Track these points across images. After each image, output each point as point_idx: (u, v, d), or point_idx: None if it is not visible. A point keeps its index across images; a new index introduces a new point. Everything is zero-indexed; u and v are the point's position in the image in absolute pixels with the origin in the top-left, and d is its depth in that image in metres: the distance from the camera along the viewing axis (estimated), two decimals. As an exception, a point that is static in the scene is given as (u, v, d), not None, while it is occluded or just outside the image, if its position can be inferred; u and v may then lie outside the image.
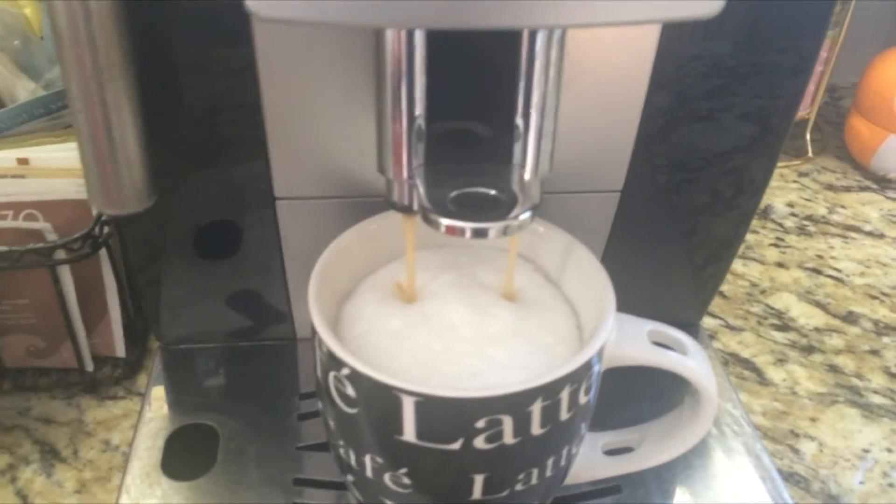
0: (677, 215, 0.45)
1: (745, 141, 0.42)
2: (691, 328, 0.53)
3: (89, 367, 0.52)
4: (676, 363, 0.34)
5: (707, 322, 0.59)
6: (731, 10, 0.36)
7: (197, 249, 0.44)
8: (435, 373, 0.33)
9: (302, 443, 0.44)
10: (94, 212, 0.48)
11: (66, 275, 0.48)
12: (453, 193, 0.32)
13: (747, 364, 0.56)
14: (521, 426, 0.31)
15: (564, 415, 0.32)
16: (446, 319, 0.35)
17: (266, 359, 0.49)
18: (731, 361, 0.56)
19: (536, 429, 0.32)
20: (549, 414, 0.32)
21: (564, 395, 0.32)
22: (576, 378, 0.32)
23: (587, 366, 0.32)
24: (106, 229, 0.48)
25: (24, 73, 0.56)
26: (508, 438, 0.31)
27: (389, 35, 0.30)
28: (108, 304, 0.51)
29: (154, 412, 0.45)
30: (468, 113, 0.34)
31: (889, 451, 0.50)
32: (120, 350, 0.53)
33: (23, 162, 0.49)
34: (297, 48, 0.35)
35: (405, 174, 0.33)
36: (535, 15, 0.25)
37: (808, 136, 0.76)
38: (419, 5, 0.25)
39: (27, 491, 0.46)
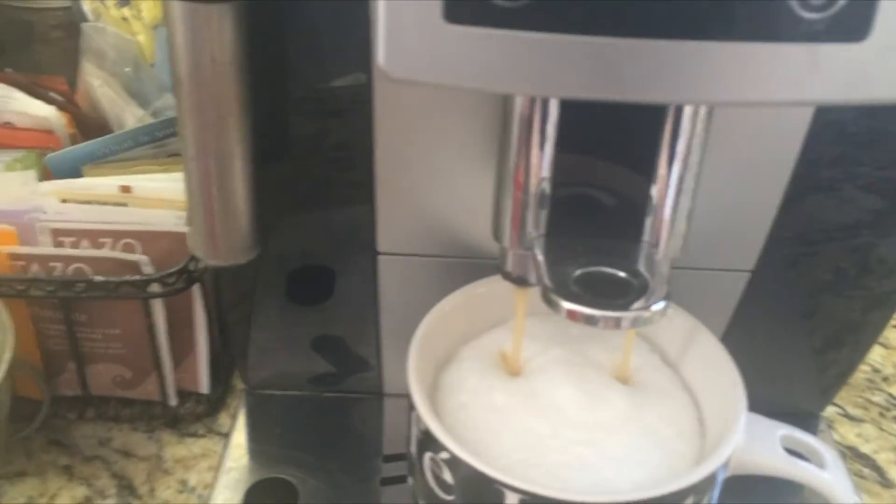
0: (807, 297, 0.41)
1: (887, 228, 0.38)
2: (812, 419, 0.48)
3: (173, 401, 0.51)
4: (813, 477, 0.30)
5: (824, 410, 0.54)
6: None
7: (291, 294, 0.43)
8: (541, 461, 0.31)
9: (384, 510, 0.41)
10: (192, 246, 0.47)
11: (158, 308, 0.47)
12: (577, 272, 0.29)
13: (867, 461, 0.51)
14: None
15: (683, 525, 0.29)
16: (554, 400, 0.33)
17: (351, 412, 0.47)
18: (849, 455, 0.51)
19: None
20: (668, 523, 0.28)
21: (685, 505, 0.28)
22: (699, 489, 0.28)
23: (712, 476, 0.29)
24: (201, 265, 0.47)
25: (134, 99, 0.56)
26: None
27: (519, 97, 0.28)
28: (196, 339, 0.50)
29: (234, 461, 0.44)
30: (598, 184, 0.31)
31: None
32: (204, 386, 0.52)
33: (125, 190, 0.49)
34: (417, 99, 0.33)
35: (521, 244, 0.31)
36: (701, 90, 0.22)
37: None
38: (562, 77, 0.23)
39: (102, 527, 0.45)
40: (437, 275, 0.39)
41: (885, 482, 0.49)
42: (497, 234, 0.31)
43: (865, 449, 0.51)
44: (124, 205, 0.48)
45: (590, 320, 0.27)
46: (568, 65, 0.22)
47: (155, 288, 0.46)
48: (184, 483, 0.48)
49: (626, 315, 0.27)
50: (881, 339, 0.60)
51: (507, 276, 0.32)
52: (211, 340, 0.51)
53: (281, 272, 0.42)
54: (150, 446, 0.50)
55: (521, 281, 0.32)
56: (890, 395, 0.55)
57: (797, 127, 0.33)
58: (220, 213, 0.30)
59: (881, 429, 0.53)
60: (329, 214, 0.38)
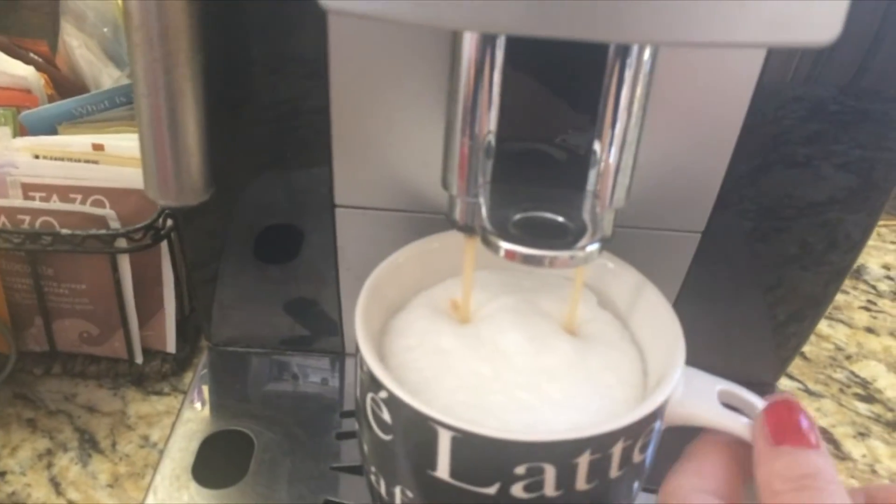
0: (761, 265, 0.42)
1: (842, 193, 0.39)
2: (766, 389, 0.49)
3: (139, 358, 0.52)
4: (746, 430, 0.31)
5: (784, 384, 0.54)
6: (840, 50, 0.33)
7: (254, 251, 0.43)
8: (480, 402, 0.31)
9: (338, 463, 0.42)
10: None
11: (124, 264, 0.48)
12: (517, 216, 0.30)
13: (824, 434, 0.51)
14: (565, 479, 0.28)
15: (614, 472, 0.29)
16: (500, 345, 0.33)
17: (312, 371, 0.47)
18: (807, 429, 0.51)
19: (581, 483, 0.29)
20: (598, 469, 0.29)
21: (617, 451, 0.29)
22: (632, 433, 0.29)
23: (646, 420, 0.29)
24: (168, 223, 0.48)
25: (111, 60, 0.56)
26: (549, 490, 0.28)
27: (467, 41, 0.28)
28: (163, 297, 0.51)
29: (193, 413, 0.44)
30: (542, 133, 0.31)
31: (979, 549, 0.45)
32: (171, 345, 0.52)
33: (98, 148, 0.49)
34: (371, 52, 0.34)
35: (469, 191, 0.31)
36: (630, 30, 0.22)
37: (911, 196, 0.71)
38: (501, 6, 0.23)
39: (61, 479, 0.45)
40: (394, 229, 0.39)
41: (841, 455, 0.50)
42: (445, 182, 0.32)
43: (823, 423, 0.52)
44: (96, 162, 0.49)
45: (527, 259, 0.28)
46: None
47: (121, 243, 0.46)
48: (146, 438, 0.48)
49: (560, 254, 0.28)
50: (846, 319, 0.61)
51: (455, 225, 0.33)
52: (179, 300, 0.51)
53: (245, 228, 0.43)
54: (114, 403, 0.50)
55: (468, 229, 0.33)
56: (851, 372, 0.56)
57: (742, 87, 0.34)
58: (171, 151, 0.30)
59: (840, 404, 0.54)
60: (288, 166, 0.38)
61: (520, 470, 0.28)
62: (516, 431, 0.28)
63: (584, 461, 0.28)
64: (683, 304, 0.41)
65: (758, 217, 0.39)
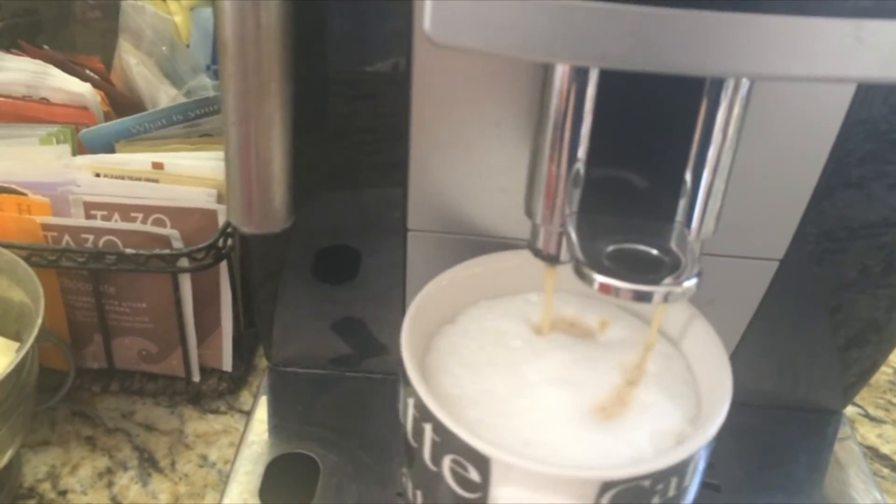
0: (835, 292, 0.41)
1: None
2: (833, 416, 0.48)
3: (196, 377, 0.52)
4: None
5: (846, 410, 0.53)
6: None
7: (319, 272, 0.43)
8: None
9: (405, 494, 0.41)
10: (220, 223, 0.47)
11: (185, 283, 0.48)
12: (610, 248, 0.29)
13: (886, 461, 0.50)
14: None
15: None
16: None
17: (373, 392, 0.47)
18: (870, 456, 0.51)
19: None
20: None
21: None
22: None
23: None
24: (230, 241, 0.48)
25: (168, 79, 0.57)
26: None
27: (559, 70, 0.28)
28: (221, 316, 0.51)
29: (257, 435, 0.44)
30: (632, 162, 0.31)
31: None
32: (227, 364, 0.52)
33: (157, 166, 0.49)
34: (454, 76, 0.34)
35: (554, 220, 0.31)
36: (748, 65, 0.22)
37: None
38: (603, 46, 0.23)
39: (122, 498, 0.45)
40: (465, 254, 0.39)
41: (906, 483, 0.49)
42: (529, 210, 0.32)
43: (885, 450, 0.51)
44: (156, 181, 0.49)
45: (621, 293, 0.27)
46: (609, 34, 0.23)
47: (184, 262, 0.46)
48: (204, 458, 0.48)
49: (657, 289, 0.27)
50: (905, 343, 0.60)
51: (539, 255, 0.32)
52: (236, 319, 0.51)
53: (309, 249, 0.43)
54: (172, 421, 0.50)
55: (551, 259, 0.32)
56: (912, 397, 0.55)
57: (832, 117, 0.33)
58: (257, 179, 0.30)
59: (902, 430, 0.53)
60: (361, 189, 0.38)
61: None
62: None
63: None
64: (754, 332, 0.40)
65: (837, 245, 0.38)
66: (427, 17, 0.23)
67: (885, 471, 0.50)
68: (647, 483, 0.29)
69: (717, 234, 0.34)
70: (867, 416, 0.54)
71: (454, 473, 0.31)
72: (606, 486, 0.28)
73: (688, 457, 0.29)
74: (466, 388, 0.33)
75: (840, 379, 0.46)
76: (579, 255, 0.29)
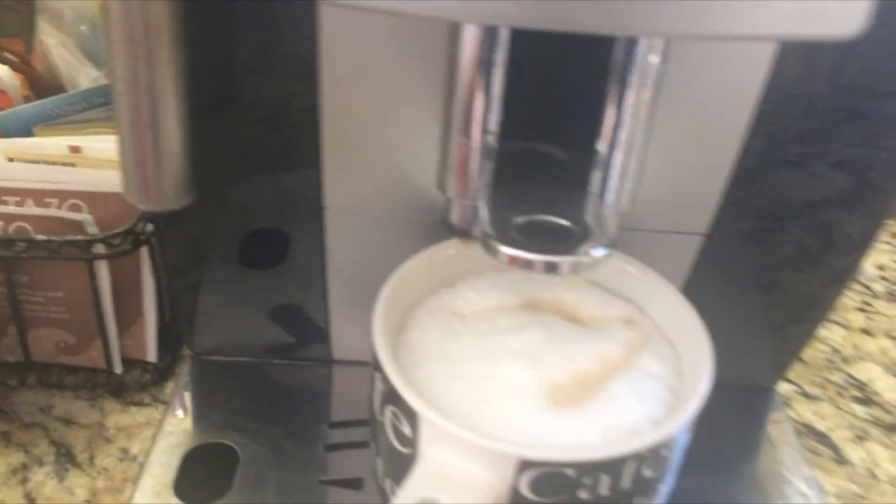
0: (762, 267, 0.41)
1: (840, 194, 0.38)
2: (765, 393, 0.48)
3: (118, 368, 0.50)
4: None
5: (781, 387, 0.53)
6: (856, 48, 0.32)
7: (239, 255, 0.42)
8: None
9: (326, 476, 0.40)
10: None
11: (103, 270, 0.46)
12: (520, 220, 0.28)
13: (822, 438, 0.50)
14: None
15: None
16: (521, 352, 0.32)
17: (299, 380, 0.46)
18: (805, 433, 0.50)
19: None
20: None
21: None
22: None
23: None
24: (149, 227, 0.46)
25: (89, 60, 0.54)
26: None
27: (467, 35, 0.27)
28: (143, 305, 0.49)
29: (175, 426, 0.43)
30: (544, 133, 0.30)
31: (981, 554, 0.44)
32: (151, 354, 0.50)
33: (75, 150, 0.47)
34: (364, 48, 0.32)
35: (467, 194, 0.30)
36: (649, 22, 0.21)
37: (903, 196, 0.70)
38: (508, 4, 0.22)
39: (36, 494, 0.43)
40: (385, 231, 0.38)
41: (840, 459, 0.49)
42: (442, 184, 0.31)
43: (821, 426, 0.51)
44: (73, 165, 0.47)
45: (530, 265, 0.26)
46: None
47: (99, 249, 0.44)
48: (125, 451, 0.46)
49: (565, 259, 0.26)
50: (842, 321, 0.60)
51: (452, 229, 0.31)
52: (160, 308, 0.50)
53: (229, 232, 0.41)
54: (92, 414, 0.49)
55: (465, 234, 0.31)
56: (849, 374, 0.55)
57: (749, 85, 0.33)
58: (151, 153, 0.29)
59: (838, 407, 0.53)
60: (275, 167, 0.37)
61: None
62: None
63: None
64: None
65: (759, 219, 0.38)
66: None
67: (821, 447, 0.50)
68: (571, 473, 0.28)
69: (640, 207, 0.34)
70: (803, 393, 0.54)
71: (393, 426, 0.30)
72: (525, 465, 0.27)
73: (616, 456, 0.28)
74: (430, 344, 0.32)
75: (770, 354, 0.46)
76: (487, 228, 0.28)
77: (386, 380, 0.30)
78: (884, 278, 0.65)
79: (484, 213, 0.28)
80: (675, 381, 0.32)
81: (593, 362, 0.32)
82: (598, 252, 0.27)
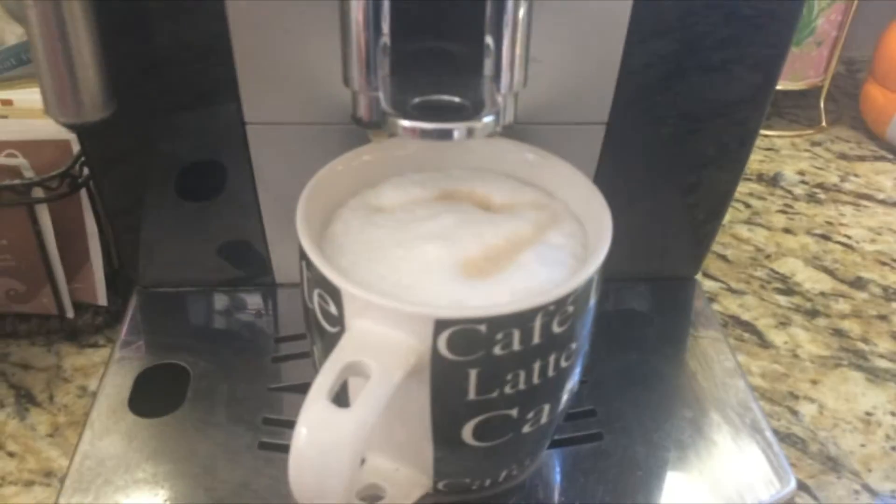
0: (664, 156, 0.43)
1: (731, 85, 0.40)
2: (688, 283, 0.51)
3: (70, 313, 0.51)
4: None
5: (708, 285, 0.56)
6: None
7: (171, 185, 0.43)
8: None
9: (275, 384, 0.42)
10: (74, 152, 0.47)
11: (44, 215, 0.47)
12: (416, 99, 0.30)
13: (747, 326, 0.53)
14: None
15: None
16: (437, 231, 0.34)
17: (244, 303, 0.48)
18: (731, 324, 0.54)
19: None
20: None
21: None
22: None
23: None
24: (85, 171, 0.47)
25: (13, 17, 0.55)
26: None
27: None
28: (89, 249, 0.50)
29: (125, 353, 0.44)
30: (439, 19, 0.32)
31: (893, 414, 0.47)
32: (102, 298, 0.52)
33: (6, 103, 0.49)
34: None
35: (370, 84, 0.32)
36: None
37: (821, 105, 0.74)
38: None
39: (-2, 433, 0.45)
40: (308, 142, 0.39)
41: (764, 343, 0.52)
42: (346, 77, 0.32)
43: (746, 317, 0.54)
44: (5, 117, 0.48)
45: (425, 134, 0.29)
46: None
47: (38, 193, 0.46)
48: (83, 389, 0.48)
49: (457, 125, 0.28)
50: (765, 222, 0.63)
51: (360, 123, 0.33)
52: (107, 252, 0.51)
53: (158, 163, 0.43)
54: (48, 358, 0.50)
55: (373, 125, 0.33)
56: (772, 269, 0.58)
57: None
58: (64, 64, 0.30)
59: (762, 299, 0.56)
60: (192, 87, 0.38)
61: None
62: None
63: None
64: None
65: (657, 109, 0.40)
66: None
67: (746, 335, 0.53)
68: (483, 328, 0.30)
69: (540, 102, 0.36)
70: (729, 289, 0.57)
71: (321, 308, 0.32)
72: (441, 325, 0.29)
73: (523, 309, 0.30)
74: (352, 235, 0.35)
75: (690, 245, 0.48)
76: (386, 107, 0.30)
77: (311, 265, 0.32)
78: (804, 182, 0.68)
79: (383, 97, 0.30)
80: (581, 251, 0.35)
81: (504, 238, 0.34)
82: (489, 119, 0.29)
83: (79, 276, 0.51)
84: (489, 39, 0.32)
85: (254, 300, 0.48)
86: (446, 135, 0.29)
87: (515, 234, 0.35)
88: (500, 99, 0.31)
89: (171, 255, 0.47)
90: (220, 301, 0.48)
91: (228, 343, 0.45)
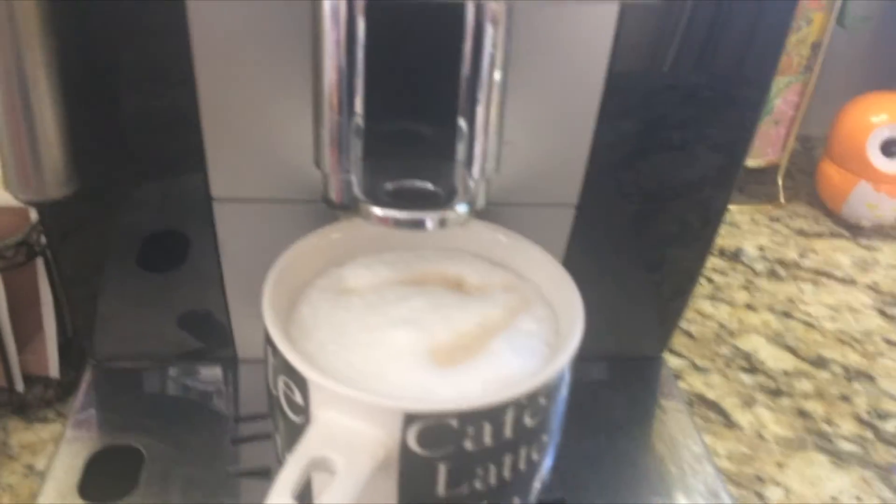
0: (634, 238, 0.43)
1: (699, 166, 0.41)
2: (654, 362, 0.51)
3: (19, 386, 0.49)
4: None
5: (673, 362, 0.56)
6: (680, 33, 0.36)
7: (133, 259, 0.42)
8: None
9: (234, 467, 0.41)
10: (32, 219, 0.45)
11: (-3, 285, 0.46)
12: (389, 186, 0.30)
13: (713, 406, 0.53)
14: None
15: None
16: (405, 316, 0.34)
17: (203, 380, 0.46)
18: (697, 402, 0.53)
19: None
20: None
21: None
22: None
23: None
24: (43, 239, 0.46)
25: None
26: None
27: (326, 13, 0.28)
28: (42, 319, 0.48)
29: (76, 432, 0.42)
30: (410, 106, 0.32)
31: (858, 499, 0.47)
32: (53, 370, 0.50)
33: (-38, 168, 0.47)
34: (235, 42, 0.34)
35: (342, 167, 0.32)
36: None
37: (779, 182, 0.75)
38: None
39: (-65, 514, 0.43)
40: (275, 220, 0.39)
41: (730, 424, 0.52)
42: (318, 160, 0.32)
43: (711, 395, 0.54)
44: (-39, 182, 0.47)
45: (399, 223, 0.28)
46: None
47: (-8, 262, 0.44)
48: (30, 468, 0.46)
49: (430, 215, 0.28)
50: (727, 298, 0.64)
51: (331, 204, 0.33)
52: (61, 322, 0.49)
53: (120, 233, 0.42)
54: (-7, 433, 0.48)
55: (344, 208, 0.33)
56: (735, 346, 0.59)
57: (597, 62, 0.35)
58: (27, 141, 0.29)
59: (726, 377, 0.56)
60: (159, 161, 0.38)
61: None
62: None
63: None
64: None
65: (626, 191, 0.41)
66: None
67: (712, 414, 0.53)
68: (454, 423, 0.29)
69: (511, 182, 0.36)
70: (694, 366, 0.57)
71: (286, 396, 0.31)
72: (410, 419, 0.29)
73: (495, 403, 0.30)
74: (320, 318, 0.34)
75: (655, 326, 0.48)
76: (358, 194, 0.29)
77: (276, 352, 0.31)
78: (764, 258, 0.69)
79: (356, 182, 0.30)
80: (553, 338, 0.34)
81: (474, 324, 0.34)
82: (462, 208, 0.29)
83: (30, 346, 0.49)
84: (462, 122, 0.32)
85: (213, 376, 0.46)
86: (419, 224, 0.28)
87: (486, 318, 0.34)
88: (472, 184, 0.31)
89: (129, 326, 0.46)
90: (178, 377, 0.46)
91: (185, 422, 0.43)
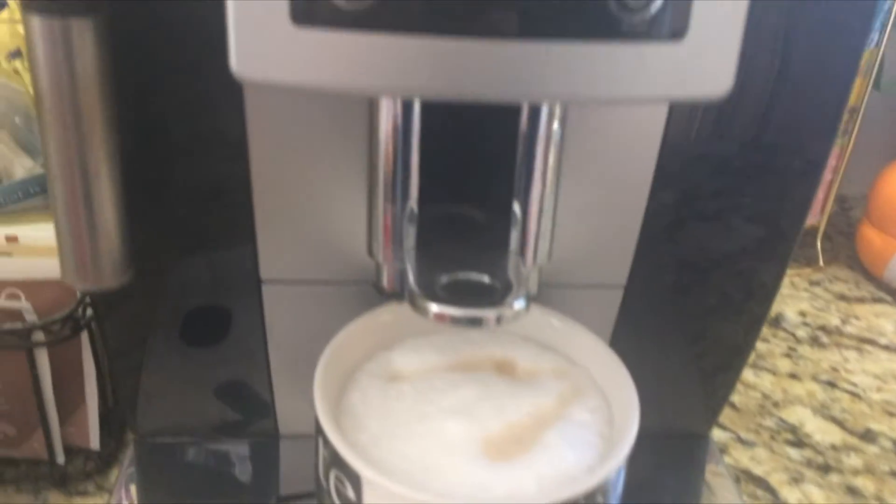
0: (683, 316, 0.43)
1: (752, 243, 0.41)
2: (700, 441, 0.49)
3: (60, 459, 0.49)
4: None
5: (717, 435, 0.55)
6: (740, 108, 0.36)
7: (179, 335, 0.42)
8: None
9: (277, 550, 0.40)
10: (78, 294, 0.46)
11: (43, 359, 0.46)
12: (444, 279, 0.30)
13: (760, 482, 0.52)
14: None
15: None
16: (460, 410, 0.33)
17: (246, 457, 0.46)
18: (744, 479, 0.52)
19: None
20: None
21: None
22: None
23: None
24: (88, 312, 0.46)
25: (24, 150, 0.55)
26: None
27: (384, 109, 0.29)
28: (85, 391, 0.49)
29: (120, 511, 0.42)
30: (464, 197, 0.32)
31: (917, 583, 0.45)
32: (94, 442, 0.50)
33: (11, 240, 0.48)
34: (290, 126, 0.34)
35: (395, 257, 0.32)
36: (534, 88, 0.23)
37: (818, 245, 0.74)
38: (408, 77, 0.24)
39: (-24, 593, 0.42)
40: (323, 302, 0.39)
41: (778, 501, 0.51)
42: (371, 250, 0.32)
43: (758, 471, 0.53)
44: (9, 255, 0.47)
45: (455, 321, 0.28)
46: (411, 64, 0.24)
47: (39, 337, 0.45)
48: (70, 542, 0.45)
49: (488, 313, 0.28)
50: (770, 367, 0.62)
51: (383, 293, 0.33)
52: (102, 393, 0.49)
53: (167, 311, 0.42)
54: (34, 507, 0.48)
55: (396, 296, 0.33)
56: (780, 418, 0.57)
57: (649, 141, 0.35)
58: (87, 234, 0.30)
59: (773, 451, 0.55)
60: (210, 243, 0.38)
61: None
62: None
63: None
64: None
65: (675, 270, 0.40)
66: (232, 54, 0.24)
67: (759, 492, 0.51)
68: None
69: (559, 264, 0.36)
70: (739, 439, 0.55)
71: (337, 490, 0.31)
72: None
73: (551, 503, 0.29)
74: (371, 407, 0.33)
75: (704, 403, 0.47)
76: (414, 288, 0.29)
77: (328, 444, 0.31)
78: (806, 324, 0.68)
79: (411, 274, 0.30)
80: (606, 429, 0.34)
81: (526, 414, 0.33)
82: (519, 304, 0.29)
83: (72, 418, 0.49)
84: (516, 209, 0.32)
85: (256, 453, 0.46)
86: (476, 322, 0.28)
87: (538, 408, 0.34)
88: (524, 273, 0.31)
89: (171, 401, 0.46)
90: (221, 453, 0.46)
91: (226, 499, 0.43)
